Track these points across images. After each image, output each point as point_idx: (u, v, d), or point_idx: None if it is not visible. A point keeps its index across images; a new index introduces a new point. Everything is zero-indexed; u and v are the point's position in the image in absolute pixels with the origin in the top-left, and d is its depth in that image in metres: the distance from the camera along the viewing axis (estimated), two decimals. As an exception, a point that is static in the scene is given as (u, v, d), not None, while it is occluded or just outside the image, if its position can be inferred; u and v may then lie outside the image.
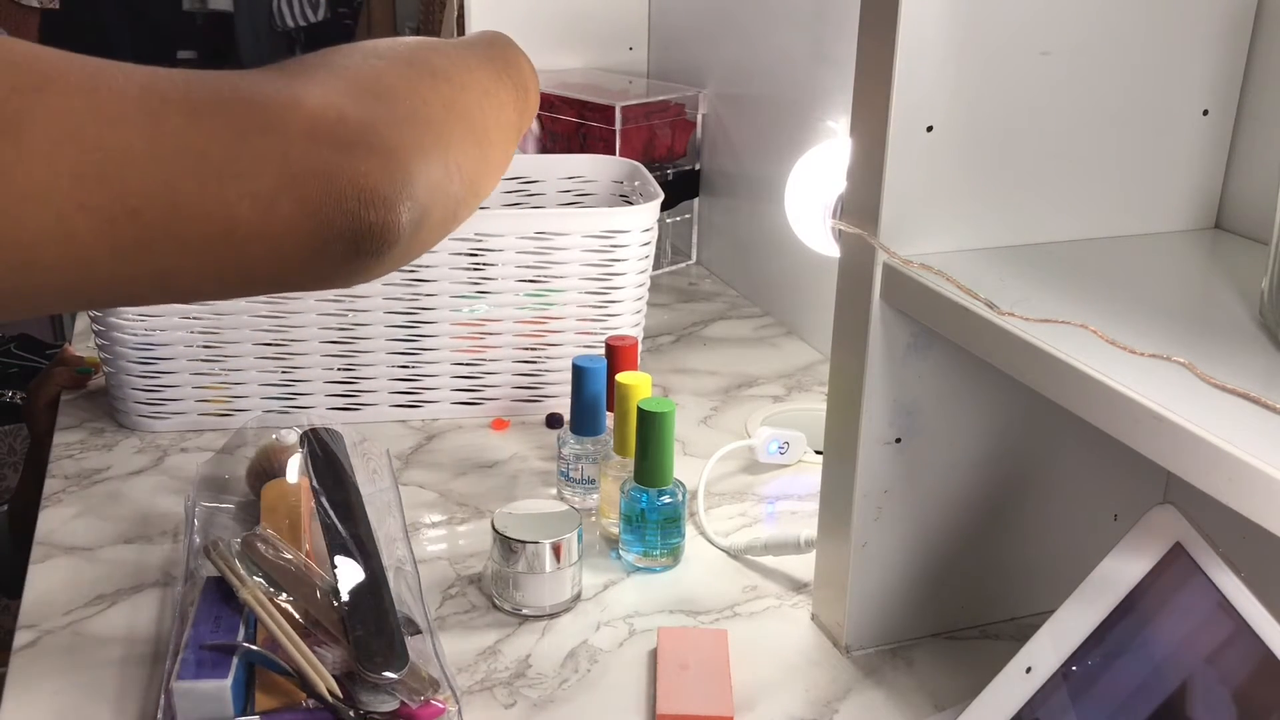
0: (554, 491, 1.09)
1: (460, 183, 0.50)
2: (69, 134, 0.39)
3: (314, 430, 0.95)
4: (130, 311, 1.12)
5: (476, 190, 0.53)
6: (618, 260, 1.17)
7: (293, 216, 0.43)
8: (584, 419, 1.04)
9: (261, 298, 1.11)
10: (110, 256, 0.41)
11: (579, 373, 1.03)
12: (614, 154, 1.54)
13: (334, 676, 0.75)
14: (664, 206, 1.24)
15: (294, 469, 0.96)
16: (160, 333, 1.13)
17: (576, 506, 1.01)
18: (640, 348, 1.16)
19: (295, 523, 0.90)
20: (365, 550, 0.84)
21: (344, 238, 0.44)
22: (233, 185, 0.42)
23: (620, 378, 1.00)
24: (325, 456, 0.92)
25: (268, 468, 0.98)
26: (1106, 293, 0.73)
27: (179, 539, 0.99)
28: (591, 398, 1.03)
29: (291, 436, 0.98)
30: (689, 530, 1.02)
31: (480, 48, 0.59)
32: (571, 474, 1.05)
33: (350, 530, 0.85)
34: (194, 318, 1.13)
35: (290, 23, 2.97)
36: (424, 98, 0.49)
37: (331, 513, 0.86)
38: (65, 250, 0.40)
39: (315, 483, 0.90)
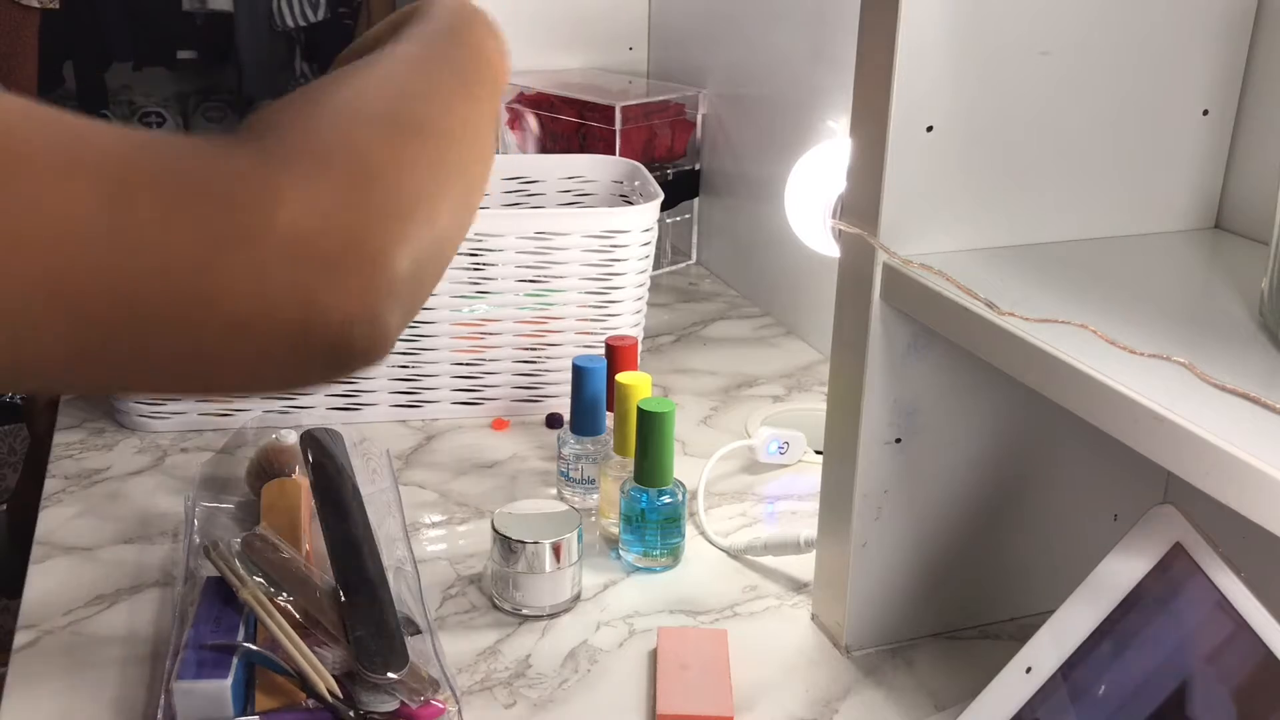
0: (554, 491, 1.09)
1: (450, 234, 0.48)
2: (32, 229, 0.37)
3: (313, 430, 0.95)
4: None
5: (465, 226, 0.51)
6: (618, 260, 1.17)
7: (268, 337, 0.41)
8: (584, 419, 1.04)
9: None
10: (67, 358, 0.39)
11: (579, 373, 1.03)
12: (614, 154, 1.54)
13: (334, 676, 0.76)
14: (664, 206, 1.24)
15: (294, 469, 0.96)
16: (160, 333, 1.13)
17: (576, 506, 1.01)
18: (640, 348, 1.16)
19: (295, 523, 0.90)
20: (365, 550, 0.84)
21: (326, 355, 0.42)
22: (204, 308, 0.39)
23: (620, 378, 1.00)
24: (325, 457, 0.92)
25: (267, 468, 0.98)
26: (1106, 293, 0.73)
27: (179, 539, 0.99)
28: (591, 398, 1.03)
29: (291, 437, 0.98)
30: (689, 530, 1.02)
31: (449, 55, 0.56)
32: (571, 474, 1.05)
33: (350, 530, 0.85)
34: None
35: (290, 23, 2.97)
36: (410, 167, 0.46)
37: (331, 513, 0.86)
38: (18, 355, 0.38)
39: (315, 483, 0.90)
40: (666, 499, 0.96)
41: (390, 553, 0.87)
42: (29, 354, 0.39)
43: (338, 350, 0.42)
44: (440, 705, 0.76)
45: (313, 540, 0.88)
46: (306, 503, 0.92)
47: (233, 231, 0.40)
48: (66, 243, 0.38)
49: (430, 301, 1.15)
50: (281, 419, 1.15)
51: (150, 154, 0.40)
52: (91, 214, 0.38)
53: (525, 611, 0.91)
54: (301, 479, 0.95)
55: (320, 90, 0.47)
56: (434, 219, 0.46)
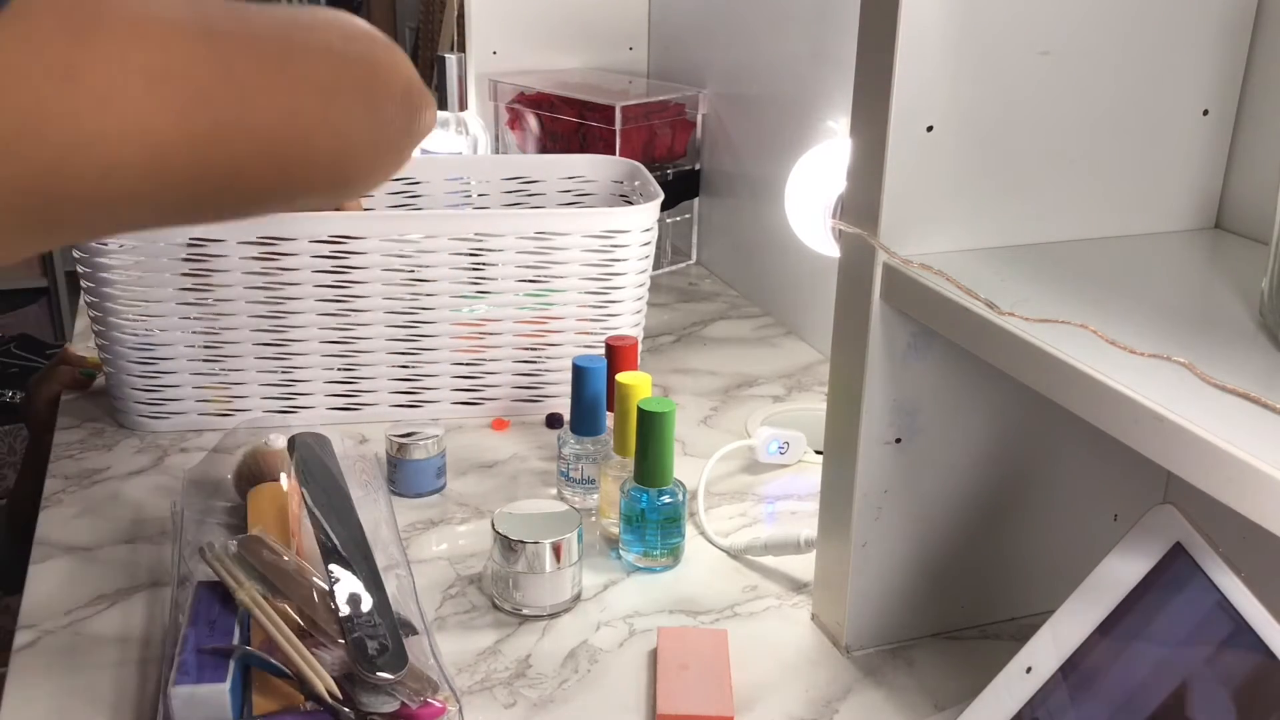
0: (554, 491, 1.09)
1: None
2: (136, 35, 0.40)
3: (301, 435, 0.95)
4: (130, 312, 1.12)
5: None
6: (618, 260, 1.17)
7: (350, 95, 0.47)
8: (584, 419, 1.04)
9: (260, 296, 1.11)
10: (187, 151, 0.42)
11: (579, 373, 1.03)
12: (614, 154, 1.54)
13: (333, 678, 0.75)
14: (664, 206, 1.24)
15: (281, 473, 0.96)
16: (160, 333, 1.13)
17: (576, 506, 1.01)
18: (640, 348, 1.16)
19: (283, 526, 0.90)
20: (359, 552, 0.84)
21: (397, 104, 0.49)
22: (294, 71, 0.45)
23: (620, 378, 1.00)
24: (313, 460, 0.92)
25: (256, 471, 0.98)
26: (1106, 293, 0.73)
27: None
28: (591, 398, 1.03)
29: (279, 441, 0.98)
30: (689, 530, 1.01)
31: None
32: (571, 474, 1.05)
33: (342, 532, 0.85)
34: (194, 318, 1.13)
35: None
36: None
37: (321, 515, 0.86)
38: (145, 147, 0.40)
39: (304, 486, 0.89)
40: (666, 499, 0.96)
41: (384, 555, 0.87)
42: (154, 144, 0.41)
43: (408, 90, 0.51)
44: (440, 705, 0.76)
45: (302, 543, 0.88)
46: (294, 507, 0.92)
47: (303, 18, 0.47)
48: (170, 35, 0.42)
49: (430, 301, 1.15)
50: (280, 419, 1.16)
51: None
52: (183, 14, 0.42)
53: (525, 611, 0.91)
54: (289, 483, 0.95)
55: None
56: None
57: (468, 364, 1.19)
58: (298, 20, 0.47)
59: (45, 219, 0.40)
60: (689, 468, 1.09)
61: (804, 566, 0.95)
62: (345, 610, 0.78)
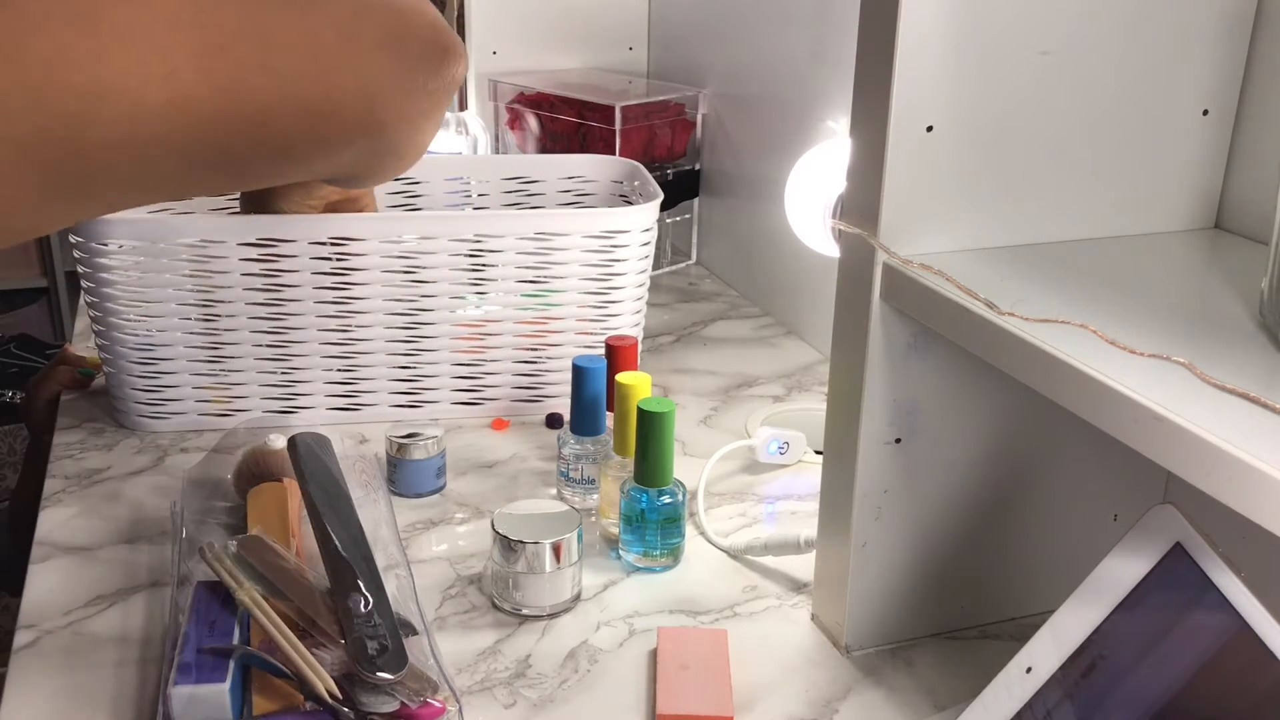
0: (554, 491, 1.09)
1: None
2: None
3: (301, 435, 0.95)
4: (130, 312, 1.12)
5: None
6: (618, 260, 1.17)
7: (374, 36, 0.46)
8: (584, 419, 1.04)
9: (261, 296, 1.11)
10: (211, 95, 0.42)
11: (579, 373, 1.03)
12: (614, 154, 1.54)
13: (333, 678, 0.75)
14: (664, 206, 1.24)
15: (281, 473, 0.96)
16: (160, 333, 1.13)
17: (576, 506, 1.01)
18: (640, 348, 1.16)
19: (283, 526, 0.90)
20: (359, 552, 0.84)
21: (424, 45, 0.49)
22: (315, 15, 0.44)
23: (620, 378, 1.00)
24: (313, 460, 0.92)
25: (255, 471, 0.98)
26: (1106, 293, 0.73)
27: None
28: (591, 398, 1.03)
29: (279, 441, 0.98)
30: (689, 530, 1.01)
31: None
32: (571, 474, 1.05)
33: (342, 532, 0.85)
34: (194, 318, 1.13)
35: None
36: None
37: (321, 515, 0.86)
38: (169, 90, 0.40)
39: (304, 486, 0.89)
40: (666, 499, 0.96)
41: (383, 555, 0.87)
42: (179, 89, 0.41)
43: (434, 40, 0.50)
44: (440, 705, 0.76)
45: (302, 543, 0.88)
46: (294, 507, 0.92)
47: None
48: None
49: (430, 302, 1.15)
50: (280, 419, 1.16)
51: None
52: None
53: (525, 611, 0.91)
54: (289, 483, 0.95)
55: None
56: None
57: (468, 364, 1.19)
58: None
59: (78, 175, 0.39)
60: (689, 468, 1.09)
61: (804, 566, 0.95)
62: (345, 610, 0.78)
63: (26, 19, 0.36)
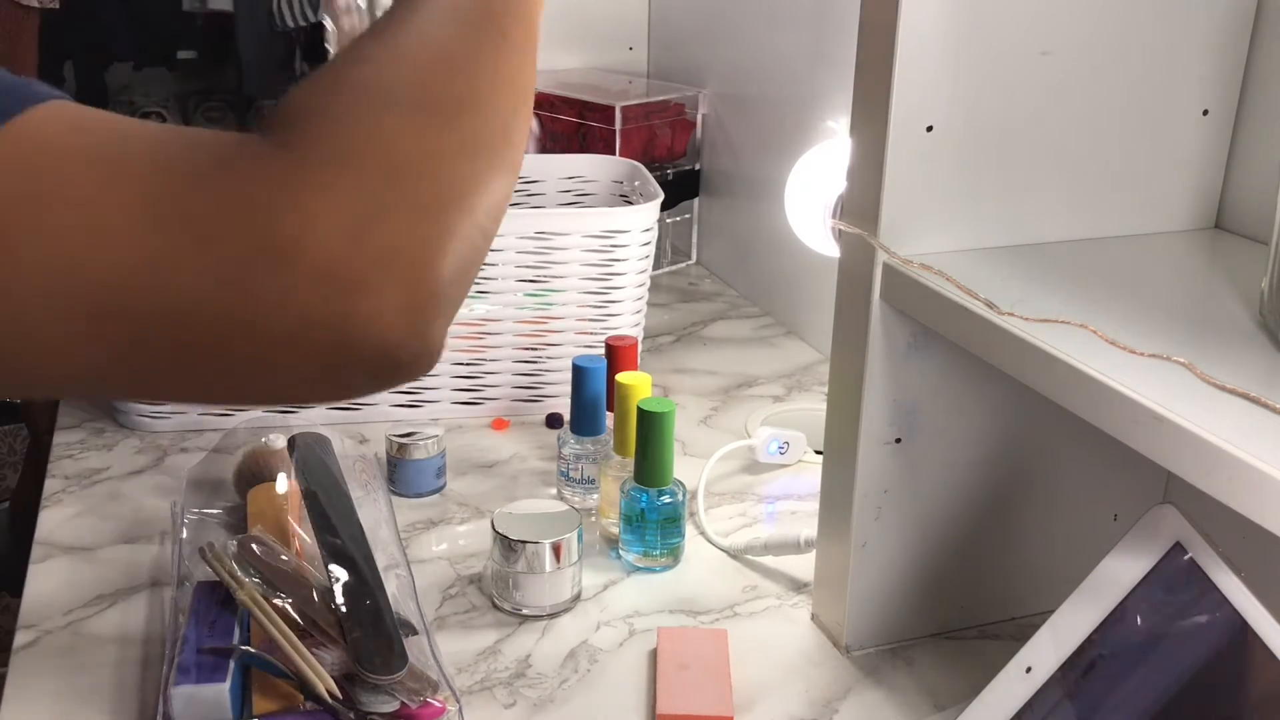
0: (554, 491, 1.09)
1: (493, 211, 0.46)
2: (66, 255, 0.38)
3: (301, 435, 0.95)
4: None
5: (508, 191, 0.48)
6: (618, 260, 1.17)
7: (303, 356, 0.40)
8: (584, 419, 1.04)
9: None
10: (109, 364, 0.40)
11: (579, 373, 1.03)
12: (614, 154, 1.54)
13: (333, 678, 0.75)
14: (664, 206, 1.24)
15: (281, 473, 0.96)
16: (160, 333, 1.13)
17: (576, 506, 1.01)
18: (640, 348, 1.16)
19: (282, 528, 0.90)
20: (359, 552, 0.84)
21: (368, 371, 0.41)
22: (234, 325, 0.39)
23: (620, 378, 1.00)
24: (313, 460, 0.92)
25: (256, 471, 0.98)
26: (1106, 293, 0.73)
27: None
28: (591, 398, 1.03)
29: (279, 441, 0.98)
30: (689, 530, 1.01)
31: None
32: (571, 474, 1.05)
33: (342, 532, 0.85)
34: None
35: (290, 23, 2.97)
36: (441, 155, 0.43)
37: (321, 515, 0.86)
38: (68, 363, 0.39)
39: (304, 486, 0.89)
40: (666, 499, 0.96)
41: (383, 555, 0.87)
42: (58, 354, 0.39)
43: (380, 366, 0.41)
44: (440, 705, 0.76)
45: (302, 543, 0.88)
46: (294, 507, 0.92)
47: (261, 252, 0.38)
48: (99, 247, 0.38)
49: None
50: (279, 419, 1.16)
51: (179, 164, 0.40)
52: (125, 232, 0.38)
53: (525, 611, 0.91)
54: (289, 483, 0.95)
55: (341, 70, 0.45)
56: (472, 207, 0.43)
57: (468, 364, 1.19)
58: None
59: None
60: (689, 468, 1.09)
61: (804, 566, 0.95)
62: (345, 610, 0.78)
63: None
